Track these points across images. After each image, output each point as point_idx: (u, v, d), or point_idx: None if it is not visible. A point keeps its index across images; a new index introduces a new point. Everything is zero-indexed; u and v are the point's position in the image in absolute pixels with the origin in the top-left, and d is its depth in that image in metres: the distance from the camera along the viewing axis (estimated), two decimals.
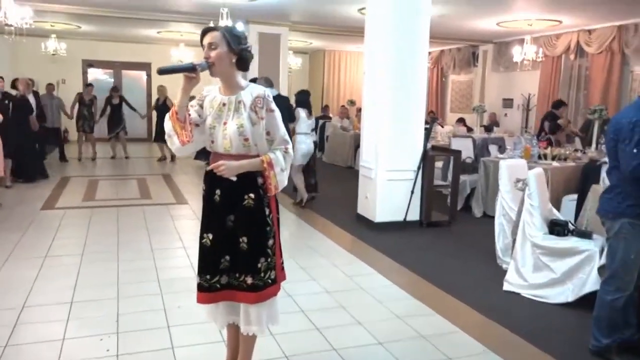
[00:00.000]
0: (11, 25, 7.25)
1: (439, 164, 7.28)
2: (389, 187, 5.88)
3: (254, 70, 10.77)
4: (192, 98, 2.51)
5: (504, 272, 4.29)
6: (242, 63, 2.40)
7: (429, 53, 14.97)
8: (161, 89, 11.38)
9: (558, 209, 5.57)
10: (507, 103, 12.33)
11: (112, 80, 15.35)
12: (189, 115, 2.42)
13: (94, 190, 7.81)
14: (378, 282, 4.22)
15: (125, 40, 14.67)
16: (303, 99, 7.12)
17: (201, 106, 2.49)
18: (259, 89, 2.40)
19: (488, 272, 4.57)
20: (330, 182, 9.11)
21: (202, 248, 2.48)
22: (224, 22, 8.25)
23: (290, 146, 2.47)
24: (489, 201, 6.46)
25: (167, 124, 2.43)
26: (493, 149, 7.53)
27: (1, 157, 6.28)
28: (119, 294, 3.82)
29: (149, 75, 15.43)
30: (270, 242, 2.43)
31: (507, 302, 3.92)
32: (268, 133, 2.39)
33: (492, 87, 12.76)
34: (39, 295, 3.77)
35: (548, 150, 6.42)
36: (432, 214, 6.13)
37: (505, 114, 12.40)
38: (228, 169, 2.36)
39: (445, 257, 5.01)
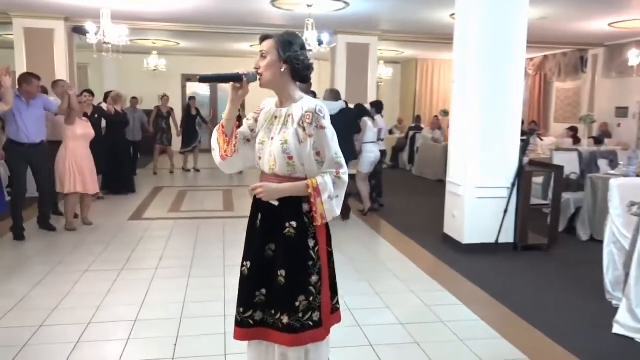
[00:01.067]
0: (109, 44, 7.60)
1: (538, 181, 6.60)
2: (478, 206, 5.35)
3: (341, 81, 10.61)
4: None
5: (614, 310, 3.65)
6: (296, 73, 2.14)
7: (531, 59, 14.08)
8: (164, 99, 11.27)
9: None
10: (621, 112, 11.10)
11: (208, 94, 15.95)
12: (237, 128, 2.22)
13: (180, 202, 7.96)
14: (461, 315, 3.75)
15: (221, 55, 15.13)
16: (363, 108, 7.24)
17: (256, 120, 2.27)
18: (311, 103, 2.11)
19: (594, 309, 3.92)
20: (417, 197, 8.65)
21: (241, 277, 2.24)
22: (310, 33, 8.12)
23: (343, 170, 2.13)
24: (596, 223, 5.69)
25: (214, 137, 2.25)
26: (603, 163, 6.70)
27: (94, 174, 6.28)
28: (183, 313, 3.69)
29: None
30: (314, 278, 2.12)
31: (618, 348, 3.30)
32: (318, 153, 2.09)
33: (603, 94, 11.57)
34: (106, 311, 3.74)
35: None
36: (528, 236, 5.50)
37: (619, 124, 11.17)
38: (267, 191, 2.11)
39: (543, 288, 4.41)
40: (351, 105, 7.17)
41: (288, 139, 2.09)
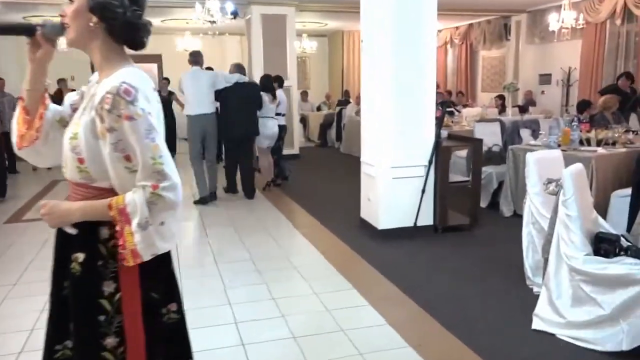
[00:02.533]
0: None
1: (463, 154, 6.23)
2: (395, 187, 4.87)
3: (258, 56, 9.89)
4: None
5: (535, 298, 3.26)
6: (115, 32, 1.50)
7: (456, 28, 13.81)
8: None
9: (605, 209, 4.48)
10: (545, 79, 11.00)
11: None
12: (45, 106, 1.60)
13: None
14: (367, 320, 3.26)
15: None
16: (266, 83, 7.23)
17: (82, 97, 1.62)
18: (119, 79, 1.43)
19: (515, 298, 3.54)
20: (340, 177, 8.13)
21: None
22: (212, 2, 7.38)
23: (168, 183, 1.42)
24: (519, 198, 5.35)
25: (14, 115, 1.63)
26: (525, 133, 6.39)
27: None
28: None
29: (160, 68, 14.74)
30: (110, 341, 1.48)
31: (537, 346, 2.90)
32: (127, 157, 1.42)
33: (527, 61, 11.43)
34: None
35: (592, 134, 5.27)
36: (448, 216, 5.10)
37: (543, 92, 11.08)
38: (51, 214, 1.50)
39: (461, 275, 3.99)
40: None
41: (79, 131, 1.47)
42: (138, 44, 1.58)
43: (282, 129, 7.53)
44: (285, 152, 10.02)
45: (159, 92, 11.07)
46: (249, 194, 6.77)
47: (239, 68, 6.84)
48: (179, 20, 12.06)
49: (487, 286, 3.77)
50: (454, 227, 5.08)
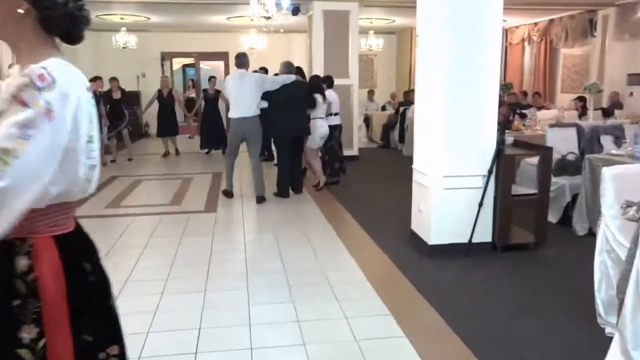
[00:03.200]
0: None
1: (534, 162, 5.58)
2: (448, 198, 4.37)
3: (319, 54, 9.58)
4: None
5: (607, 341, 2.69)
6: (52, 22, 1.31)
7: (535, 24, 12.83)
8: (165, 80, 10.89)
9: None
10: (635, 79, 9.89)
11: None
12: None
13: (126, 194, 7.08)
14: (399, 356, 2.82)
15: (198, 30, 14.11)
16: (315, 83, 7.17)
17: None
18: (38, 66, 1.21)
19: (582, 339, 2.98)
20: (398, 182, 7.63)
21: None
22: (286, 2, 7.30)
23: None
24: (596, 214, 4.67)
25: None
26: (607, 140, 5.66)
27: None
28: None
29: (226, 66, 14.80)
30: (25, 335, 1.23)
31: None
32: None
33: (615, 60, 10.35)
34: None
35: None
36: (510, 233, 4.52)
37: (631, 93, 9.99)
38: None
39: (520, 306, 3.45)
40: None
41: None
42: (75, 37, 1.38)
43: (335, 128, 7.40)
44: (344, 153, 9.71)
45: (205, 90, 11.11)
46: (297, 189, 6.90)
47: (288, 67, 6.75)
48: (244, 18, 12.01)
49: (549, 321, 3.22)
50: (515, 245, 4.50)
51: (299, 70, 7.21)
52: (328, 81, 7.54)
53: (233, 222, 5.54)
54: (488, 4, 4.21)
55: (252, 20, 11.96)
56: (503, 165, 4.38)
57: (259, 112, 6.32)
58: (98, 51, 13.93)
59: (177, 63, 15.85)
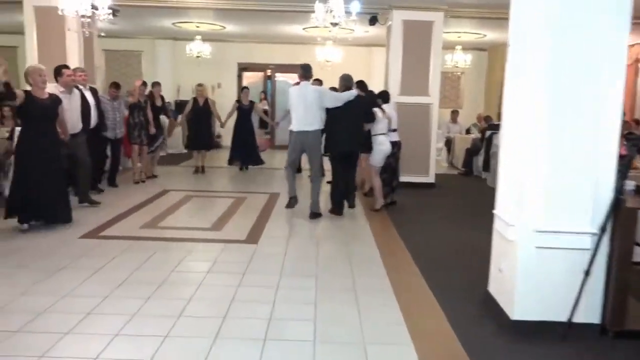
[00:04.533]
0: (88, 17, 6.36)
1: None
2: (540, 260, 3.26)
3: (396, 70, 8.62)
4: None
5: None
6: None
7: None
8: (200, 89, 9.56)
9: None
10: None
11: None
12: None
13: (170, 212, 6.45)
14: None
15: (274, 41, 13.63)
16: (376, 97, 6.95)
17: None
18: None
19: None
20: (477, 220, 6.44)
21: None
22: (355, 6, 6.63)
23: None
24: None
25: None
26: None
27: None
28: None
29: None
30: None
31: None
32: None
33: None
34: None
35: None
36: (628, 314, 3.31)
37: None
38: None
39: None
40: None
41: None
42: None
43: (395, 145, 6.99)
44: (417, 179, 8.65)
45: (238, 101, 10.04)
46: (351, 204, 6.74)
47: (347, 81, 6.43)
48: (321, 29, 11.30)
49: None
50: (636, 332, 3.28)
51: (360, 84, 6.88)
52: (384, 96, 7.11)
53: (272, 259, 4.68)
54: (610, 5, 3.10)
55: (330, 31, 11.35)
56: (622, 221, 3.19)
57: (320, 127, 6.15)
58: (175, 60, 13.84)
59: (250, 77, 15.42)
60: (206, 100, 9.49)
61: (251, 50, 13.89)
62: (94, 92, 7.16)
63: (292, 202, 6.43)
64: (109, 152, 7.81)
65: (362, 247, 5.22)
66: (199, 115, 9.40)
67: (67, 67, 6.33)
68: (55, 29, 7.85)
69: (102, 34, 10.10)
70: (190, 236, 5.35)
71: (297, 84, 10.36)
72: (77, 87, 6.47)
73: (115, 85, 7.77)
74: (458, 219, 6.68)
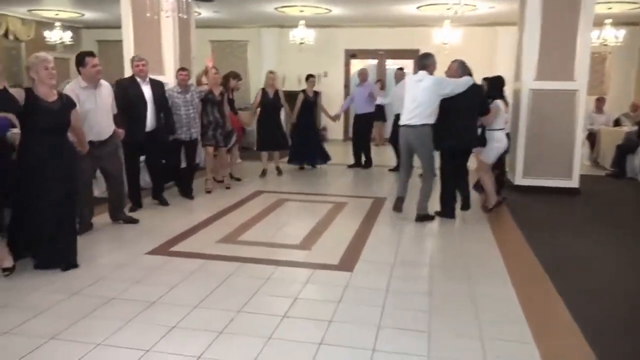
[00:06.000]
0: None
1: None
2: None
3: (532, 49, 7.04)
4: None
5: None
6: None
7: None
8: (270, 77, 8.05)
9: None
10: None
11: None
12: None
13: (256, 221, 5.58)
14: None
15: (385, 24, 12.39)
16: (497, 86, 5.98)
17: None
18: None
19: None
20: (629, 237, 4.99)
21: None
22: None
23: None
24: None
25: None
26: None
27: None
28: None
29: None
30: None
31: None
32: None
33: None
34: None
35: None
36: None
37: None
38: None
39: None
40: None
41: None
42: None
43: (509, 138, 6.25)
44: (555, 183, 7.08)
45: (303, 92, 8.59)
46: (465, 205, 5.93)
47: (464, 68, 5.56)
48: (438, 7, 9.91)
49: None
50: None
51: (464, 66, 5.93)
52: (498, 84, 6.06)
53: (368, 297, 3.58)
54: None
55: (448, 9, 9.89)
56: None
57: (431, 121, 5.43)
58: (281, 48, 13.15)
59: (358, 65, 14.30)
60: (276, 92, 8.04)
61: (360, 35, 12.81)
62: (156, 85, 5.85)
63: (397, 203, 5.79)
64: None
65: (480, 246, 4.46)
66: (267, 110, 8.03)
67: (91, 54, 4.85)
68: (150, 18, 7.34)
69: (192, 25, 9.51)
70: (272, 256, 4.41)
71: (401, 69, 9.36)
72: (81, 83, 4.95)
73: (183, 69, 6.44)
74: (609, 232, 5.21)
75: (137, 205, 5.84)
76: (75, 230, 4.23)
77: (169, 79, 7.52)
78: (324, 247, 4.70)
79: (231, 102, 7.43)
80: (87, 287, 3.71)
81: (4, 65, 10.91)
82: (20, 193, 3.90)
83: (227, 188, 7.10)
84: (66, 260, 3.98)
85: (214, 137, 6.73)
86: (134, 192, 5.84)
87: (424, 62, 5.52)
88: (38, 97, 3.83)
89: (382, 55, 13.30)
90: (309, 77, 8.79)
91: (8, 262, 3.87)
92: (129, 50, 7.89)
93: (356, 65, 13.57)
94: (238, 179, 7.65)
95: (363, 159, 9.12)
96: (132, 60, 5.87)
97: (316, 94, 8.78)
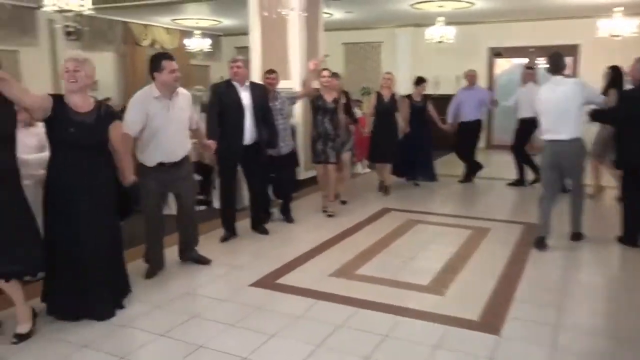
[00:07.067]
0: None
1: None
2: None
3: None
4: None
5: None
6: None
7: None
8: (387, 77, 6.92)
9: None
10: None
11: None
12: None
13: (378, 249, 4.78)
14: None
15: (540, 18, 10.83)
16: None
17: None
18: None
19: None
20: None
21: None
22: None
23: None
24: None
25: None
26: None
27: None
28: None
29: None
30: None
31: None
32: None
33: None
34: None
35: None
36: None
37: None
38: None
39: None
40: None
41: None
42: None
43: None
44: None
45: (409, 97, 7.36)
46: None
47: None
48: None
49: None
50: None
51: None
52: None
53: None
54: None
55: None
56: None
57: (579, 134, 4.62)
58: (416, 49, 12.22)
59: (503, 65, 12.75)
60: (392, 96, 6.87)
61: (506, 30, 11.37)
62: (256, 90, 4.94)
63: (539, 242, 4.67)
64: None
65: None
66: (382, 116, 6.88)
67: (169, 56, 3.92)
68: (277, 20, 6.89)
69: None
70: (394, 300, 3.57)
71: (530, 68, 7.86)
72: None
73: (271, 72, 5.48)
74: None
75: (230, 232, 5.01)
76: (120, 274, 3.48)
77: (295, 84, 7.08)
78: (461, 292, 3.75)
79: (348, 107, 6.43)
80: (178, 326, 3.20)
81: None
82: (46, 232, 3.17)
83: (343, 202, 6.39)
84: (96, 316, 3.22)
85: (323, 152, 5.78)
86: (227, 217, 5.01)
87: (556, 63, 4.66)
88: (66, 106, 3.11)
89: (533, 52, 11.71)
90: (420, 80, 7.62)
91: (25, 326, 3.07)
92: (256, 55, 7.58)
93: (501, 65, 12.18)
94: (343, 202, 6.47)
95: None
96: (233, 62, 4.89)
97: (426, 99, 7.65)
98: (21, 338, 3.00)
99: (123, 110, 4.41)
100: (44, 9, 6.95)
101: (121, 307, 3.39)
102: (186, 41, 12.91)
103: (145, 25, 12.24)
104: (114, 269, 3.36)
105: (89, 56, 3.21)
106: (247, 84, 4.88)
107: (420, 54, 12.07)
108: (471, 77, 7.96)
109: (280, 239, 5.08)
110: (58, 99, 3.10)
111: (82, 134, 3.09)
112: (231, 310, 3.46)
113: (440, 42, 10.28)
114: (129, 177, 3.38)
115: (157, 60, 3.85)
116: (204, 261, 4.31)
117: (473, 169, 7.94)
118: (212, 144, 4.35)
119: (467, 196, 7.30)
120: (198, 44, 12.82)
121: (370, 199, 6.80)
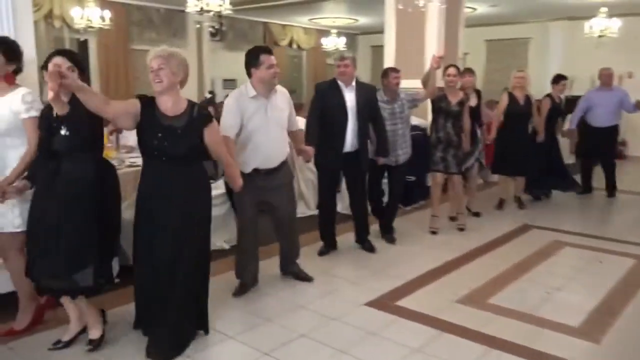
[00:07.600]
0: None
1: None
2: None
3: None
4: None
5: None
6: None
7: None
8: (519, 76, 5.96)
9: None
10: None
11: None
12: None
13: (517, 274, 4.14)
14: None
15: None
16: None
17: None
18: None
19: None
20: None
21: None
22: None
23: None
24: None
25: None
26: None
27: None
28: None
29: None
30: None
31: None
32: None
33: None
34: None
35: None
36: None
37: None
38: None
39: None
40: None
41: None
42: None
43: None
44: None
45: (549, 96, 6.31)
46: None
47: None
48: None
49: None
50: None
51: None
52: None
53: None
54: None
55: None
56: None
57: None
58: (570, 44, 10.94)
59: None
60: (527, 97, 5.92)
61: None
62: (363, 91, 4.38)
63: None
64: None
65: None
66: (513, 120, 5.89)
67: (267, 50, 3.60)
68: (414, 15, 6.45)
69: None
70: (534, 342, 2.98)
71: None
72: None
73: (395, 69, 4.86)
74: None
75: (330, 246, 4.58)
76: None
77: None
78: (621, 341, 3.05)
79: (475, 111, 5.58)
80: (280, 347, 2.96)
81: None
82: (134, 233, 2.89)
83: (460, 229, 5.29)
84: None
85: (442, 160, 5.07)
86: (326, 229, 4.56)
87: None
88: (156, 108, 2.77)
89: None
90: (560, 78, 6.49)
91: (96, 332, 2.90)
92: (389, 53, 7.23)
93: None
94: (476, 214, 5.82)
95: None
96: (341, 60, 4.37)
97: (560, 100, 6.53)
98: (94, 343, 2.86)
99: None
100: (187, 9, 7.25)
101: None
102: (323, 40, 12.95)
103: (284, 26, 12.49)
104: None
105: (177, 51, 2.87)
106: (353, 84, 4.34)
107: (575, 50, 10.77)
108: (607, 76, 6.79)
109: (393, 255, 4.60)
110: (147, 103, 2.77)
111: (169, 141, 2.71)
112: (343, 331, 3.14)
113: (601, 36, 9.02)
114: (238, 182, 3.07)
115: (254, 55, 3.46)
116: (304, 278, 3.93)
117: (612, 181, 6.84)
118: (310, 150, 3.91)
119: (624, 213, 6.23)
120: (333, 42, 12.82)
121: (506, 212, 6.06)
